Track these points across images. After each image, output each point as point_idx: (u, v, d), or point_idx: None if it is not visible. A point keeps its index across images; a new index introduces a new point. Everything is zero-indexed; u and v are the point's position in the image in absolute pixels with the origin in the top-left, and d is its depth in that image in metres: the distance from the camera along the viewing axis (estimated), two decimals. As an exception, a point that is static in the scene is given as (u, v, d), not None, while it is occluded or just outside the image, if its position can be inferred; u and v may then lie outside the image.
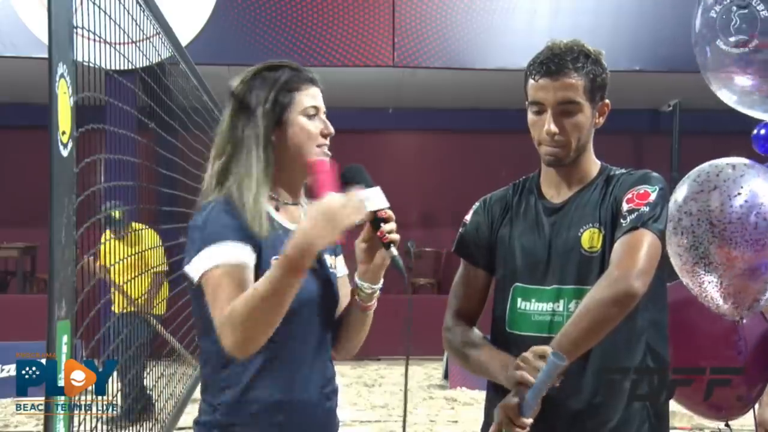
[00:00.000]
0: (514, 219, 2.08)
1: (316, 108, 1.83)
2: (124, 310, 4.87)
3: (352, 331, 1.92)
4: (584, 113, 1.97)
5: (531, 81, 1.99)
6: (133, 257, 4.98)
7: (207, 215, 1.76)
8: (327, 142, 1.84)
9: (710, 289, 2.09)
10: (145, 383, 5.04)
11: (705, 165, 2.14)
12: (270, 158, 1.79)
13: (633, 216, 1.89)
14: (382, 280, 1.85)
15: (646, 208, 1.89)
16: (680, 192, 2.10)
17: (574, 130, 1.97)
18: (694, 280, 2.11)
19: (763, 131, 2.66)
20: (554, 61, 1.96)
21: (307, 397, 1.81)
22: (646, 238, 1.87)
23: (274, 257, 1.69)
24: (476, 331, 2.10)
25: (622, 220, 1.90)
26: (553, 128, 1.95)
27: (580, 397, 1.92)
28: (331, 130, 1.85)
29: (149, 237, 5.34)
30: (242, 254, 1.71)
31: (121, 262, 4.81)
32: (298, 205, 1.89)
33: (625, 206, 1.92)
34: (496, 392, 2.01)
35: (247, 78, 1.83)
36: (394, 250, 1.76)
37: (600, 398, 1.92)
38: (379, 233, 1.75)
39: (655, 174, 1.99)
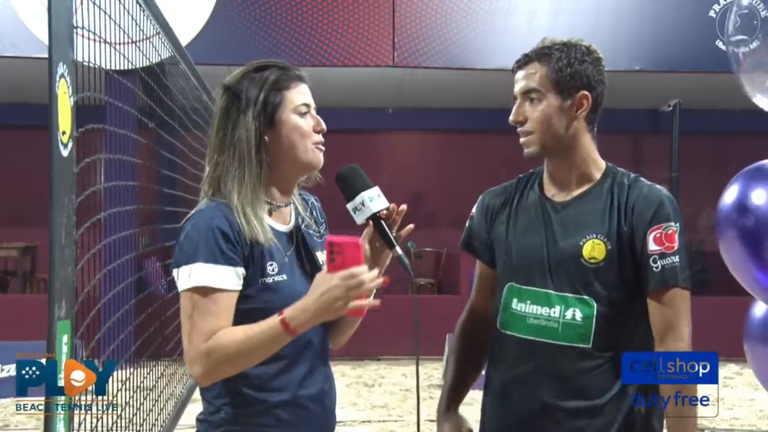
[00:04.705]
0: (513, 215, 2.04)
1: (307, 105, 1.82)
2: None
3: (345, 324, 1.93)
4: (549, 102, 1.93)
5: None
6: None
7: (196, 224, 1.74)
8: (321, 138, 1.84)
9: None
10: None
11: None
12: (263, 161, 1.78)
13: (666, 265, 1.88)
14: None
15: (676, 258, 1.88)
16: None
17: (538, 120, 1.94)
18: None
19: None
20: (525, 55, 1.98)
21: (309, 395, 1.82)
22: (686, 301, 1.90)
23: (270, 262, 1.75)
24: (469, 341, 2.12)
25: (652, 264, 1.88)
26: (511, 117, 1.97)
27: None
28: (324, 126, 1.84)
29: None
30: (221, 278, 1.70)
31: None
32: (289, 205, 1.89)
33: (653, 245, 1.89)
34: (487, 394, 2.06)
35: (236, 79, 1.82)
36: (398, 249, 1.76)
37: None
38: (394, 234, 1.75)
39: (668, 197, 1.94)
